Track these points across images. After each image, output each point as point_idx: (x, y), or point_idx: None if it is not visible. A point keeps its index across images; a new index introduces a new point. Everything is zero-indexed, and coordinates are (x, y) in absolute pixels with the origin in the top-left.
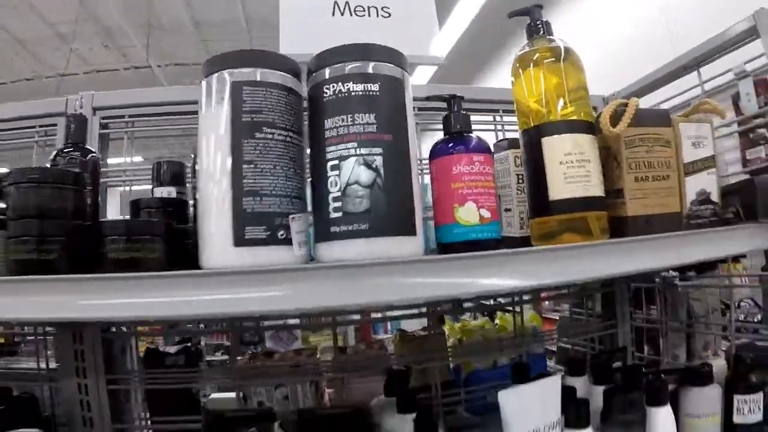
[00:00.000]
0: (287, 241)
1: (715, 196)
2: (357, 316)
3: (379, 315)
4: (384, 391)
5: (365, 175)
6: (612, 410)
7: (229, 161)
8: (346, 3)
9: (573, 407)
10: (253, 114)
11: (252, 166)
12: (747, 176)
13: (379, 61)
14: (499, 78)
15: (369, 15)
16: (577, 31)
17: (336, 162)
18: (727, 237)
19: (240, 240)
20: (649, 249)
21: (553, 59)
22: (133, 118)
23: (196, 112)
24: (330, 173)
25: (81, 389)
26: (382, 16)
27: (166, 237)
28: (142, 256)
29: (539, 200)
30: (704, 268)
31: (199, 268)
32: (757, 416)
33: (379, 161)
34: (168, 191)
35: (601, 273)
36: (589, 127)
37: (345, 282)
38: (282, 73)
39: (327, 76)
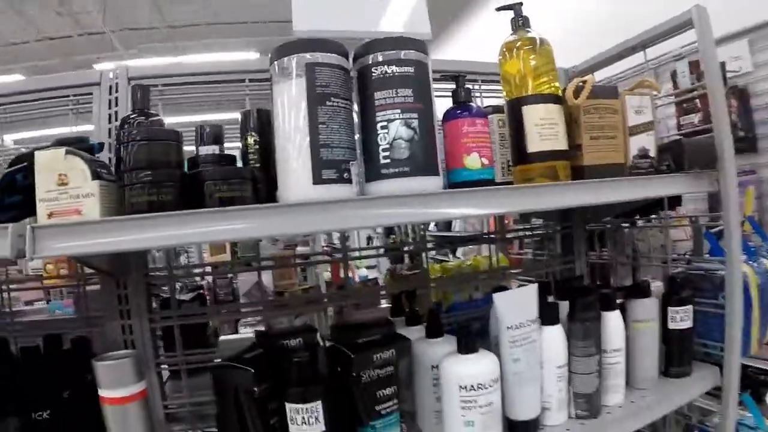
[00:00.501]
0: (349, 181)
1: (652, 153)
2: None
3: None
4: (390, 313)
5: (406, 133)
6: (575, 311)
7: (308, 122)
8: None
9: (547, 308)
10: (323, 87)
11: (325, 125)
12: (679, 137)
13: (412, 49)
14: (459, 42)
15: None
16: (543, 8)
17: (385, 123)
18: (659, 182)
19: (318, 180)
20: (601, 188)
21: (531, 47)
22: (166, 87)
23: (222, 82)
24: (380, 131)
25: (125, 330)
26: None
27: (251, 180)
28: (238, 194)
29: (520, 152)
30: (648, 213)
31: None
32: (687, 323)
33: (415, 123)
34: (212, 149)
35: (569, 203)
36: (557, 99)
37: (395, 209)
38: (339, 56)
39: (374, 60)
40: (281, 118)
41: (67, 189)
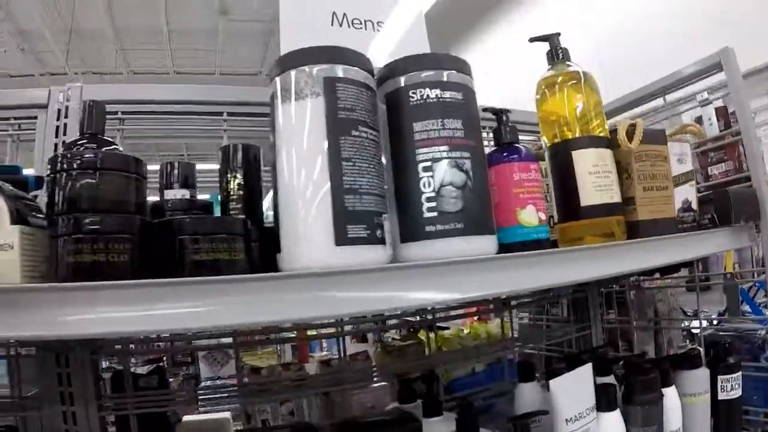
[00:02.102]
0: (382, 240)
1: (695, 205)
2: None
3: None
4: (398, 398)
5: (458, 177)
6: (634, 392)
7: (327, 158)
8: (344, 14)
9: (603, 391)
10: (347, 111)
11: (351, 163)
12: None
13: (453, 69)
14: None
15: (365, 28)
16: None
17: (429, 164)
18: (708, 239)
19: (342, 239)
20: (664, 247)
21: (575, 81)
22: (126, 116)
23: (196, 114)
24: (422, 174)
25: (67, 418)
26: (377, 30)
27: (244, 237)
28: (226, 257)
29: (570, 206)
30: (668, 271)
31: (274, 270)
32: (738, 392)
33: (468, 164)
34: (182, 194)
35: (639, 265)
36: (609, 143)
37: (449, 278)
38: (366, 72)
39: (410, 82)
40: (287, 154)
41: None
